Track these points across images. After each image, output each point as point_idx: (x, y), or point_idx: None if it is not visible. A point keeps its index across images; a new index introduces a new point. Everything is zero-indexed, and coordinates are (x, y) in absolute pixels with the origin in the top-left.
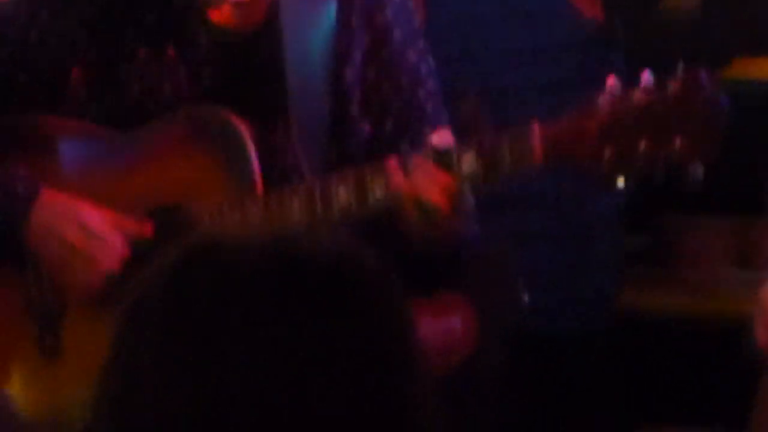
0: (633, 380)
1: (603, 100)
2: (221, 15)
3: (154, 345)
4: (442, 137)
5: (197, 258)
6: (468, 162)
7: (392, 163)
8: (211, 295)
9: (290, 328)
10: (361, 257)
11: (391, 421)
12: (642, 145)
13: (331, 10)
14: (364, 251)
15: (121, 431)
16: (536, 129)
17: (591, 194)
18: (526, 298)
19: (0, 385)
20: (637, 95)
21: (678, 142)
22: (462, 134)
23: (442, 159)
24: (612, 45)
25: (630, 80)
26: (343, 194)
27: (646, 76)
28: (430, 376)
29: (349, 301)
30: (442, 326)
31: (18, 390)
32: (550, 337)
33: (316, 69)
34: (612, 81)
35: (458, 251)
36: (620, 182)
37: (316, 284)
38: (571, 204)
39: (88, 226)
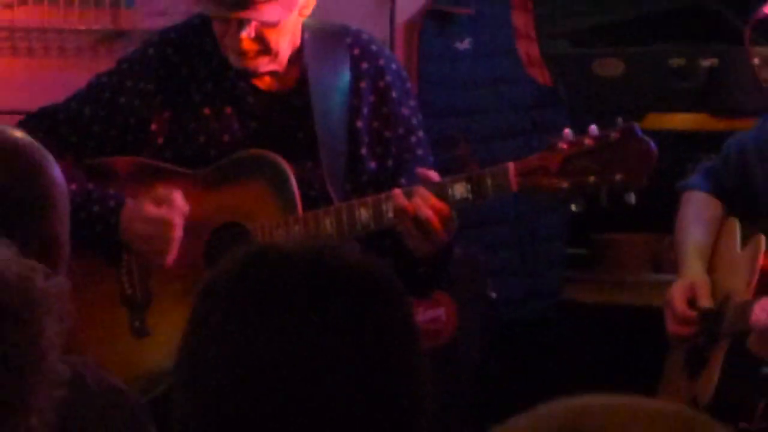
0: (573, 355)
1: (561, 145)
2: (263, 82)
3: (220, 320)
4: (432, 174)
5: (255, 259)
6: (459, 191)
7: (398, 191)
8: (263, 287)
9: (322, 313)
10: (375, 265)
11: (402, 381)
12: (591, 179)
13: (345, 77)
14: (377, 261)
15: (196, 389)
16: (512, 166)
17: (542, 215)
18: (493, 294)
19: (97, 359)
20: (587, 141)
21: (618, 177)
22: (455, 169)
23: (439, 190)
24: (558, 103)
25: (574, 129)
26: (364, 214)
27: (593, 128)
28: (423, 352)
29: (367, 297)
30: (431, 316)
31: (112, 362)
32: (511, 322)
33: (336, 121)
34: (567, 130)
35: (445, 261)
36: (573, 207)
37: (343, 284)
38: (527, 222)
39: (158, 216)
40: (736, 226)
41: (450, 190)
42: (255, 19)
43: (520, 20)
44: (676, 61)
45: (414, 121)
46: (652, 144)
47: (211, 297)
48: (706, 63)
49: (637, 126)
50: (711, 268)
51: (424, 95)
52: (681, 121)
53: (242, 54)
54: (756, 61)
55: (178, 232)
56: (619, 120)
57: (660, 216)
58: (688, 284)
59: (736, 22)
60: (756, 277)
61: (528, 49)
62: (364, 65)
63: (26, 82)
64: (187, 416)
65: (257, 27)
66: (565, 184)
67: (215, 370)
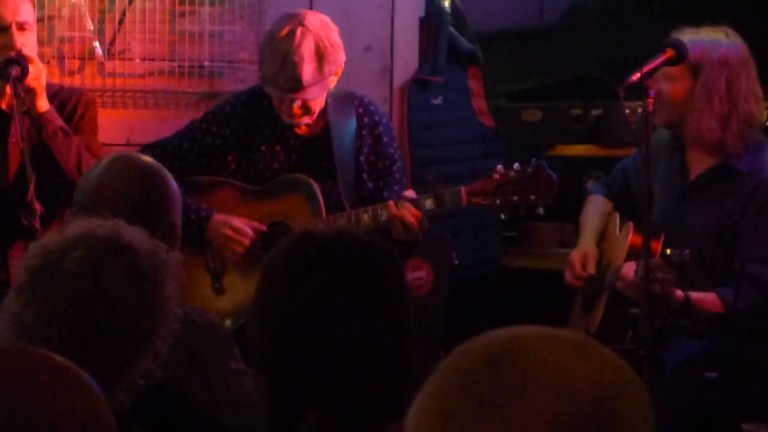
0: (508, 301)
1: (495, 175)
2: (301, 130)
3: (279, 280)
4: (411, 193)
5: (300, 240)
6: (429, 204)
7: (391, 203)
8: (305, 257)
9: (345, 272)
10: (379, 241)
11: (399, 316)
12: (514, 198)
13: (353, 126)
14: (379, 238)
15: (265, 325)
16: (463, 189)
17: (485, 212)
18: (456, 261)
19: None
20: (512, 173)
21: (532, 197)
22: (427, 189)
23: (416, 203)
24: (499, 139)
25: (508, 159)
26: (366, 218)
27: (516, 165)
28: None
29: (375, 261)
30: (415, 276)
31: None
32: (467, 279)
33: (348, 156)
34: (500, 166)
35: (415, 245)
36: (502, 216)
37: (358, 253)
38: (478, 215)
39: (234, 226)
40: (617, 218)
41: (423, 203)
42: (302, 98)
43: (474, 85)
44: (575, 111)
45: (396, 156)
46: (555, 176)
47: (272, 265)
48: (595, 112)
49: (545, 164)
50: (600, 244)
51: (412, 135)
52: (578, 150)
53: (292, 116)
54: (627, 111)
55: (247, 244)
56: (533, 160)
57: (565, 212)
58: (583, 253)
59: (614, 86)
60: (627, 249)
61: (479, 104)
62: (366, 119)
63: (153, 126)
64: (258, 342)
65: (303, 101)
66: (497, 201)
67: (276, 313)
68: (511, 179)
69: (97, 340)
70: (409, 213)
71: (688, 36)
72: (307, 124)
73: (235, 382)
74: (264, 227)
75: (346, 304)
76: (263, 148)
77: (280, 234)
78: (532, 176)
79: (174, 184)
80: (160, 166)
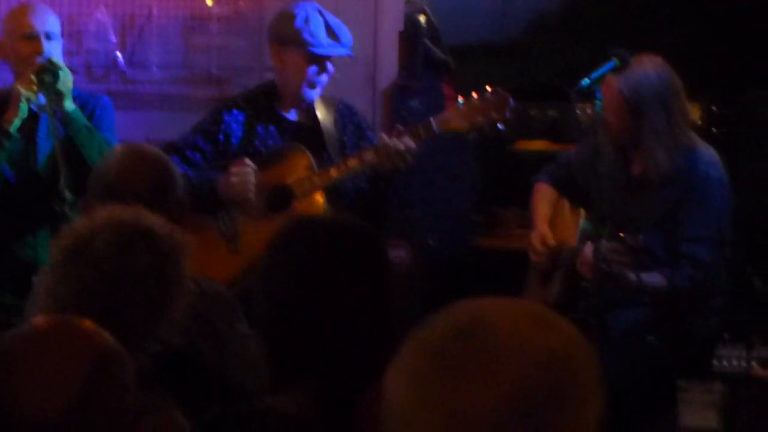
0: (478, 276)
1: (459, 103)
2: (292, 116)
3: (281, 257)
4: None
5: (298, 223)
6: (405, 139)
7: (383, 135)
8: (304, 239)
9: (337, 252)
10: (366, 226)
11: (383, 290)
12: (479, 119)
13: (336, 115)
14: (367, 224)
15: (268, 292)
16: (432, 119)
17: (462, 198)
18: (431, 242)
19: (212, 267)
20: (473, 99)
21: (494, 115)
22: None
23: (415, 132)
24: (467, 136)
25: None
26: (353, 163)
27: (474, 94)
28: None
29: (363, 242)
30: (395, 254)
31: (221, 268)
32: (440, 257)
33: (334, 135)
34: (461, 97)
35: (393, 179)
36: (470, 135)
37: (349, 236)
38: (447, 203)
39: (233, 170)
40: (566, 204)
41: (404, 138)
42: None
43: (448, 90)
44: (533, 112)
45: (372, 139)
46: (510, 97)
47: (275, 245)
48: (551, 113)
49: (501, 89)
50: (551, 226)
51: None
52: (537, 145)
53: (316, 84)
54: (578, 111)
55: (251, 178)
56: (489, 86)
57: (525, 198)
58: (540, 233)
59: (567, 90)
60: (578, 232)
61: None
62: (346, 111)
63: (168, 126)
64: (262, 311)
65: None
66: (465, 124)
67: (278, 288)
68: (473, 104)
69: (122, 312)
70: (403, 139)
71: (624, 76)
72: (300, 114)
73: (241, 345)
74: (265, 192)
75: (337, 280)
76: (260, 129)
77: (281, 193)
78: (491, 98)
79: (176, 167)
80: (163, 152)
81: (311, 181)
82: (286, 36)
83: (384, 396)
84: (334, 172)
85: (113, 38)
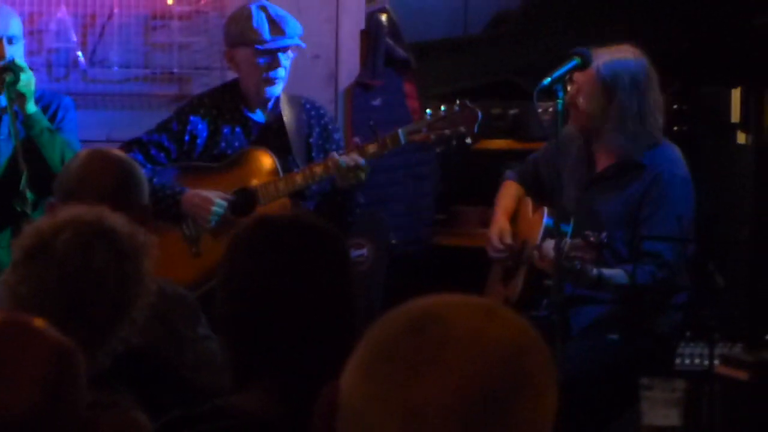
0: (437, 273)
1: (427, 115)
2: (257, 117)
3: (242, 254)
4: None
5: (260, 223)
6: (372, 149)
7: (333, 154)
8: (264, 241)
9: (298, 248)
10: (328, 224)
11: (345, 287)
12: (446, 131)
13: (302, 116)
14: (329, 223)
15: (229, 292)
16: (400, 130)
17: (421, 198)
18: (393, 240)
19: (174, 270)
20: (441, 112)
21: (461, 129)
22: (369, 137)
23: (361, 148)
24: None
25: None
26: (318, 170)
27: (443, 107)
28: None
29: (324, 240)
30: (358, 252)
31: (183, 270)
32: (401, 255)
33: (299, 136)
34: (428, 109)
35: (353, 194)
36: (438, 149)
37: (312, 236)
38: (413, 201)
39: (204, 196)
40: (530, 201)
41: (367, 147)
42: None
43: (409, 88)
44: (495, 110)
45: (342, 144)
46: (479, 112)
47: (236, 243)
48: (512, 111)
49: (469, 102)
50: (513, 224)
51: (355, 131)
52: (498, 144)
53: (273, 81)
54: (540, 110)
55: (218, 210)
56: (458, 101)
57: (486, 197)
58: (498, 228)
59: (529, 89)
60: (541, 229)
61: (413, 104)
62: (313, 112)
63: (130, 125)
64: (223, 309)
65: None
66: (432, 136)
67: (240, 282)
68: (441, 117)
69: (84, 311)
70: (353, 156)
71: (603, 58)
72: (264, 114)
73: (202, 346)
74: (229, 196)
75: (299, 278)
76: (225, 130)
77: (245, 197)
78: (459, 112)
79: (142, 172)
80: (129, 158)
81: (276, 186)
82: (233, 37)
83: (340, 393)
84: (299, 179)
85: (74, 37)
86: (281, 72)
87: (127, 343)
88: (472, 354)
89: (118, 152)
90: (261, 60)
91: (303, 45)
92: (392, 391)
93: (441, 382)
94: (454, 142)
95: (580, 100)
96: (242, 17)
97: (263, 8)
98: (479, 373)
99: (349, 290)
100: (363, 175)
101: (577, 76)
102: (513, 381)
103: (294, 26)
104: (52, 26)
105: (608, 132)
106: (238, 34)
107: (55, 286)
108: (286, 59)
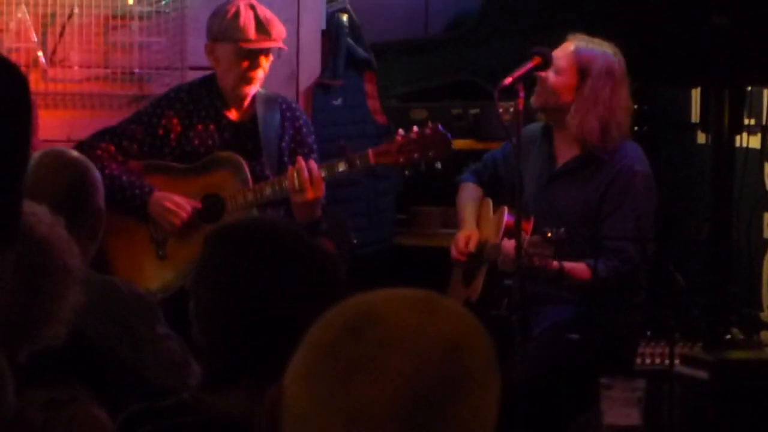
0: (397, 273)
1: (398, 138)
2: (232, 115)
3: (213, 258)
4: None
5: (227, 226)
6: (341, 166)
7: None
8: (233, 247)
9: (269, 251)
10: (297, 227)
11: (332, 282)
12: (415, 155)
13: (277, 117)
14: (298, 225)
15: (202, 291)
16: (370, 151)
17: (380, 198)
18: (354, 239)
19: (136, 279)
20: (412, 135)
21: (431, 153)
22: (339, 155)
23: (329, 166)
24: (390, 135)
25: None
26: (287, 183)
27: (415, 128)
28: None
29: (295, 243)
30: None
31: (148, 274)
32: (362, 255)
33: (272, 139)
34: (400, 130)
35: (320, 220)
36: (406, 172)
37: (283, 236)
38: (373, 202)
39: (173, 201)
40: (490, 202)
41: (336, 165)
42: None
43: (369, 88)
44: (456, 111)
45: (314, 147)
46: (449, 135)
47: (207, 244)
48: (473, 111)
49: (440, 125)
50: (477, 225)
51: (316, 130)
52: (459, 144)
53: (250, 80)
54: (501, 110)
55: (182, 218)
56: (430, 123)
57: (447, 197)
58: (467, 233)
59: (490, 89)
60: (503, 229)
61: (374, 104)
62: (288, 114)
63: (90, 125)
64: (199, 307)
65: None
66: (401, 159)
67: (213, 282)
68: (411, 140)
69: None
70: (305, 167)
71: (583, 42)
72: (239, 112)
73: (160, 345)
74: (198, 202)
75: (271, 277)
76: (200, 127)
77: (213, 205)
78: (430, 136)
79: (97, 174)
80: (84, 158)
81: (244, 196)
82: (217, 32)
83: (283, 394)
84: (268, 191)
85: (34, 37)
86: (260, 73)
87: (58, 342)
88: (409, 354)
89: (73, 154)
90: (242, 58)
91: (285, 48)
92: (332, 395)
93: (380, 383)
94: (423, 167)
95: (551, 75)
96: (229, 13)
97: (251, 7)
98: (417, 373)
99: (324, 286)
100: (315, 205)
101: (556, 52)
102: (451, 378)
103: (279, 30)
104: (12, 26)
105: (579, 114)
106: (223, 29)
107: None
108: (266, 61)
